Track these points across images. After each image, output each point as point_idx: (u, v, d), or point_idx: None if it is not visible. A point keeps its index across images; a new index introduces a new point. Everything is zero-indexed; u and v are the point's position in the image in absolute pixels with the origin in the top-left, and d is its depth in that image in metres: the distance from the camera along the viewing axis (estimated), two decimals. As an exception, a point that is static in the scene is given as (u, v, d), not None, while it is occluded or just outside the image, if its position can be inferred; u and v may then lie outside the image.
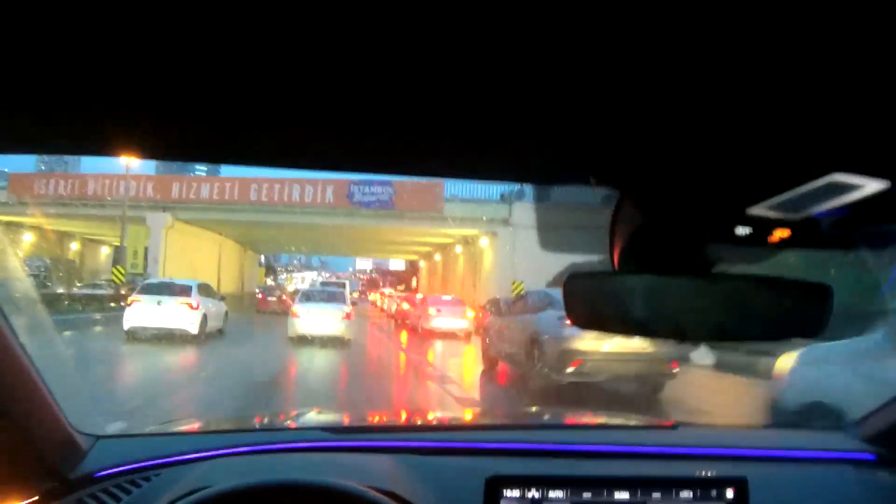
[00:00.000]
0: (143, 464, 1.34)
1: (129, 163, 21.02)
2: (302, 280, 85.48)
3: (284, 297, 25.93)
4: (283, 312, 19.12)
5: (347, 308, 14.06)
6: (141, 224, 25.20)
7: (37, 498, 1.17)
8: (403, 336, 18.76)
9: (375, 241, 37.92)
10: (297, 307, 14.01)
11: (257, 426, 1.98)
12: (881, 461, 1.48)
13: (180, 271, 23.21)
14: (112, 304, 17.81)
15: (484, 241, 24.84)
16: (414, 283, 54.54)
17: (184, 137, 0.73)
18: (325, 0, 0.44)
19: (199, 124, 0.68)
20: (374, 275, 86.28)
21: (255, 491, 1.15)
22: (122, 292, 18.60)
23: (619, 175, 0.79)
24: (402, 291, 39.17)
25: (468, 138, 0.70)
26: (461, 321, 17.53)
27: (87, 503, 1.23)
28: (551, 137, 0.68)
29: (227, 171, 29.50)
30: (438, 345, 15.52)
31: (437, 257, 41.18)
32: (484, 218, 22.91)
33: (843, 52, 0.46)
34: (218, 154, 0.85)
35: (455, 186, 24.31)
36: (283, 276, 77.14)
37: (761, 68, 0.50)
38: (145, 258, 26.05)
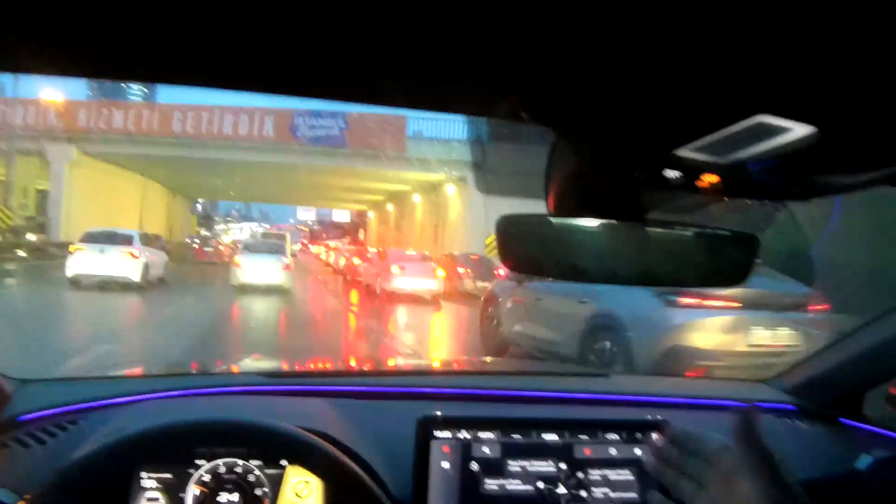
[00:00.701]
0: (69, 408, 1.36)
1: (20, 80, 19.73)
2: (241, 230, 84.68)
3: (221, 247, 27.34)
4: (221, 263, 21.40)
5: (287, 259, 15.86)
6: (37, 157, 22.72)
7: None
8: (355, 297, 17.51)
9: (321, 187, 35.87)
10: (239, 258, 15.53)
11: (192, 371, 2.00)
12: (801, 412, 1.65)
13: (89, 218, 20.98)
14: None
15: (451, 189, 21.69)
16: (361, 236, 52.77)
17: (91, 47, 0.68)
18: None
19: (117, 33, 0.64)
20: (315, 226, 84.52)
21: (184, 429, 1.19)
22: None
23: (552, 113, 0.81)
24: (348, 245, 37.32)
25: (398, 59, 0.69)
26: (430, 281, 15.90)
27: (10, 446, 1.25)
28: (484, 67, 0.70)
29: (161, 97, 26.66)
30: (403, 311, 14.27)
31: (390, 207, 39.13)
32: (453, 159, 19.64)
33: None
34: (140, 69, 0.77)
35: (419, 123, 23.18)
36: (221, 226, 76.48)
37: (690, 8, 0.54)
38: (42, 200, 22.39)
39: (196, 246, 27.74)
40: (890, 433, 1.55)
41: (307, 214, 72.35)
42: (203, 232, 55.67)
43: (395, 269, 15.70)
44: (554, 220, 0.90)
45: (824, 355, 1.68)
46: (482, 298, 8.82)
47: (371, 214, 49.00)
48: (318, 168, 25.31)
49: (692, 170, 0.79)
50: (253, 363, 2.21)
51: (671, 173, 0.80)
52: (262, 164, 24.93)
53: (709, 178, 0.81)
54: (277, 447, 1.20)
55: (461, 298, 15.64)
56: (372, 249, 22.32)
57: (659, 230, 0.90)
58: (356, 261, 21.47)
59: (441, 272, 15.73)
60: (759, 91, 0.63)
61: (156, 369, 2.13)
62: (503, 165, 18.43)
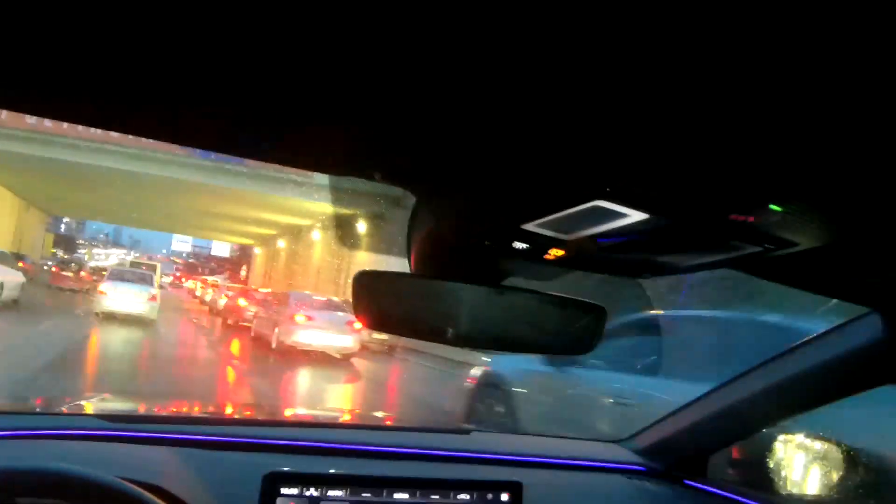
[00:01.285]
0: None
1: None
2: (106, 257, 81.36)
3: (83, 272, 25.99)
4: (81, 290, 21.36)
5: (154, 290, 16.74)
6: None
7: None
8: (238, 347, 15.54)
9: (207, 214, 32.84)
10: (105, 285, 16.22)
11: (31, 409, 1.95)
12: (649, 472, 1.77)
13: None
14: None
15: (362, 227, 18.38)
16: (243, 273, 49.84)
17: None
18: None
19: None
20: (190, 259, 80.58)
21: (3, 477, 1.13)
22: None
23: (409, 176, 0.87)
24: (228, 282, 35.32)
25: (254, 111, 0.73)
26: (345, 337, 13.24)
27: None
28: (342, 127, 0.75)
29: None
30: (304, 372, 12.03)
31: (281, 243, 36.53)
32: (372, 192, 16.82)
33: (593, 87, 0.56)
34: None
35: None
36: (83, 250, 71.26)
37: (533, 90, 0.59)
38: None
39: (54, 268, 25.62)
40: (731, 494, 1.67)
41: (183, 245, 69.22)
42: (61, 254, 50.80)
43: (299, 317, 13.31)
44: (411, 278, 0.95)
45: (674, 417, 1.81)
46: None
47: (257, 250, 46.75)
48: (207, 188, 23.13)
49: (540, 242, 0.84)
50: (100, 403, 2.14)
51: (519, 245, 0.85)
52: (139, 177, 21.88)
53: (555, 252, 0.87)
54: (101, 501, 1.16)
55: (367, 353, 14.27)
56: (263, 290, 20.69)
57: (511, 296, 0.94)
58: (242, 302, 19.60)
59: (358, 325, 12.82)
60: (598, 178, 0.69)
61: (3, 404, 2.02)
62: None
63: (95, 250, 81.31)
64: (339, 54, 0.55)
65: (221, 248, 61.11)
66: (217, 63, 0.59)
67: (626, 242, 0.80)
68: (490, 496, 1.35)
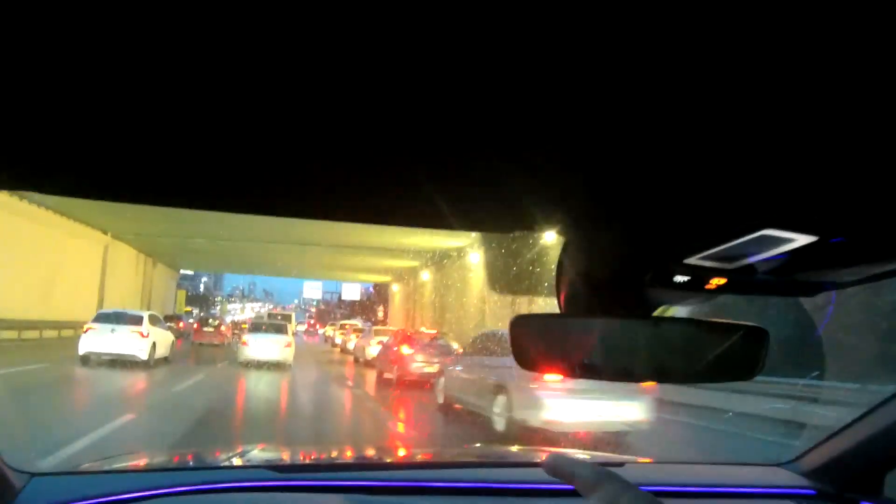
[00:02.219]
0: (79, 502, 1.46)
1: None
2: (241, 311, 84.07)
3: (224, 327, 27.82)
4: (221, 344, 24.89)
5: (289, 338, 18.78)
6: None
7: None
8: (405, 412, 11.72)
9: (339, 250, 30.75)
10: (247, 337, 18.68)
11: (200, 464, 2.11)
12: (820, 496, 1.69)
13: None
14: None
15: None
16: (380, 314, 47.41)
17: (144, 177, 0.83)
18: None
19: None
20: (320, 305, 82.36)
21: None
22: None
23: (564, 222, 0.91)
24: (372, 325, 32.50)
25: (408, 183, 0.79)
26: (632, 404, 8.10)
27: None
28: (499, 187, 0.79)
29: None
30: None
31: (426, 275, 33.44)
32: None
33: (768, 118, 0.58)
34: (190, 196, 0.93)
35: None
36: (217, 307, 75.52)
37: (698, 126, 0.62)
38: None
39: (196, 325, 28.43)
40: None
41: (314, 292, 69.01)
42: (196, 311, 54.65)
43: (552, 380, 7.59)
44: (565, 318, 0.99)
45: (841, 435, 1.73)
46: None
47: (395, 287, 43.45)
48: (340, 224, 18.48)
49: (701, 273, 0.86)
50: (260, 454, 2.28)
51: (680, 278, 0.87)
52: (270, 225, 21.65)
53: (716, 281, 0.88)
54: None
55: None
56: (428, 331, 17.83)
57: (668, 327, 0.96)
58: (406, 349, 14.92)
59: (648, 384, 7.77)
60: (764, 208, 0.71)
61: (166, 459, 2.23)
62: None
63: (230, 305, 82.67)
64: (498, 117, 0.59)
65: (352, 291, 60.47)
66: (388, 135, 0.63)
67: (793, 264, 0.81)
68: None
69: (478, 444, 7.07)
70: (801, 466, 1.78)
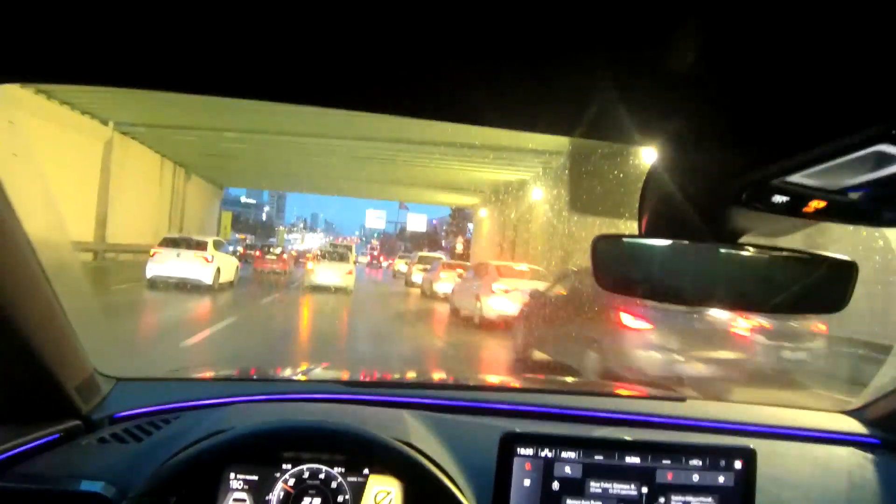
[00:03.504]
0: (162, 406, 1.58)
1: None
2: (301, 241, 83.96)
3: (286, 255, 28.69)
4: (283, 272, 25.99)
5: (351, 266, 21.06)
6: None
7: (59, 436, 1.40)
8: None
9: (411, 168, 26.05)
10: (311, 264, 21.51)
11: (274, 376, 2.24)
12: (885, 445, 1.72)
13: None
14: None
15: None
16: (459, 247, 42.91)
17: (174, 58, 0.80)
18: None
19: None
20: (382, 238, 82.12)
21: (273, 433, 1.39)
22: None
23: (660, 133, 0.90)
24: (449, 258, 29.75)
25: (506, 81, 0.79)
26: None
27: (108, 442, 1.47)
28: (594, 90, 0.80)
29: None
30: None
31: (538, 192, 24.55)
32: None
33: None
34: (217, 82, 0.92)
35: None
36: (275, 236, 74.98)
37: (814, 32, 0.61)
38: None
39: (257, 253, 28.89)
40: None
41: (377, 222, 67.17)
42: (248, 238, 53.45)
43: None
44: (649, 241, 0.99)
45: None
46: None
47: (483, 212, 35.34)
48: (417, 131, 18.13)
49: (801, 196, 0.84)
50: (326, 371, 2.38)
51: (779, 199, 0.84)
52: (328, 137, 20.30)
53: (816, 204, 0.85)
54: (363, 454, 1.38)
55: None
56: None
57: (755, 253, 0.96)
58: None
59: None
60: (881, 119, 0.67)
61: (240, 371, 2.30)
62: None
63: (291, 235, 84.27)
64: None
65: (417, 222, 58.28)
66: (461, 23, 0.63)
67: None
68: (723, 462, 1.39)
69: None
70: (865, 415, 1.83)
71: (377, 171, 28.48)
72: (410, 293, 23.67)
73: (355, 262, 24.70)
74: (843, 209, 0.86)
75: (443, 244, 52.17)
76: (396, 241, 72.21)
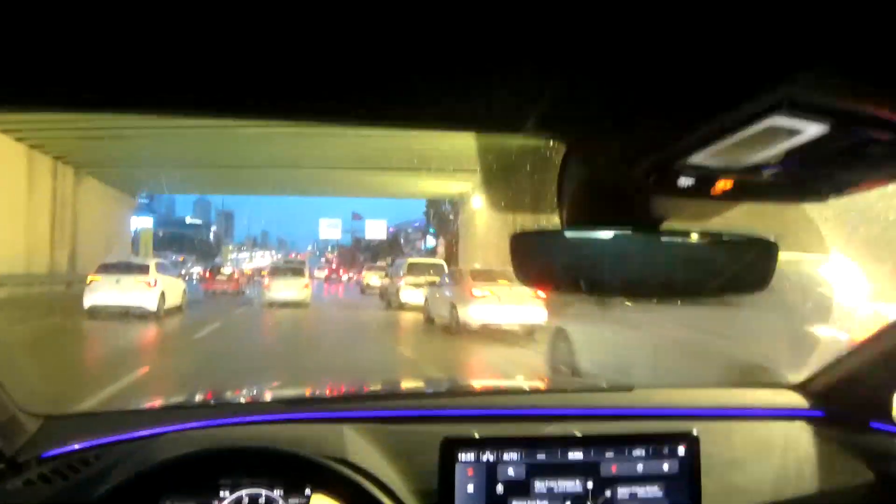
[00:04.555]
0: (92, 442, 1.54)
1: None
2: (250, 259, 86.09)
3: (237, 275, 29.46)
4: (233, 292, 26.99)
5: (306, 280, 22.79)
6: None
7: None
8: None
9: (382, 144, 21.10)
10: (268, 281, 23.01)
11: (210, 402, 2.23)
12: (830, 417, 1.80)
13: None
14: None
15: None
16: (430, 246, 38.83)
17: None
18: None
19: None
20: (333, 252, 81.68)
21: (207, 458, 1.39)
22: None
23: (563, 125, 0.92)
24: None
25: (403, 81, 0.80)
26: None
27: (33, 483, 1.44)
28: (499, 83, 0.81)
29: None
30: None
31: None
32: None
33: None
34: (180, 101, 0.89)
35: None
36: (219, 256, 74.78)
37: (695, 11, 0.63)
38: None
39: (208, 274, 29.91)
40: None
41: (332, 231, 62.31)
42: (171, 258, 50.23)
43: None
44: (566, 233, 1.00)
45: (850, 358, 1.83)
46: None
47: (476, 203, 28.61)
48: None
49: (707, 176, 0.85)
50: (272, 392, 2.47)
51: (685, 180, 0.86)
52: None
53: (722, 185, 0.87)
54: (300, 475, 1.39)
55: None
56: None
57: (674, 239, 0.99)
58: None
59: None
60: (771, 89, 0.67)
61: (176, 401, 2.29)
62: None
63: (236, 255, 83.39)
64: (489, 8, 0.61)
65: (376, 230, 55.52)
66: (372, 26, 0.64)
67: (802, 162, 0.79)
68: (666, 450, 1.44)
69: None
70: (809, 389, 1.90)
71: (335, 155, 23.42)
72: (401, 320, 17.89)
73: (311, 277, 25.64)
74: (752, 188, 0.88)
75: (404, 251, 51.32)
76: (355, 252, 71.37)
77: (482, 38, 0.68)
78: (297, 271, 23.03)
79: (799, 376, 2.00)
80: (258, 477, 1.39)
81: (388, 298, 22.23)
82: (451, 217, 37.68)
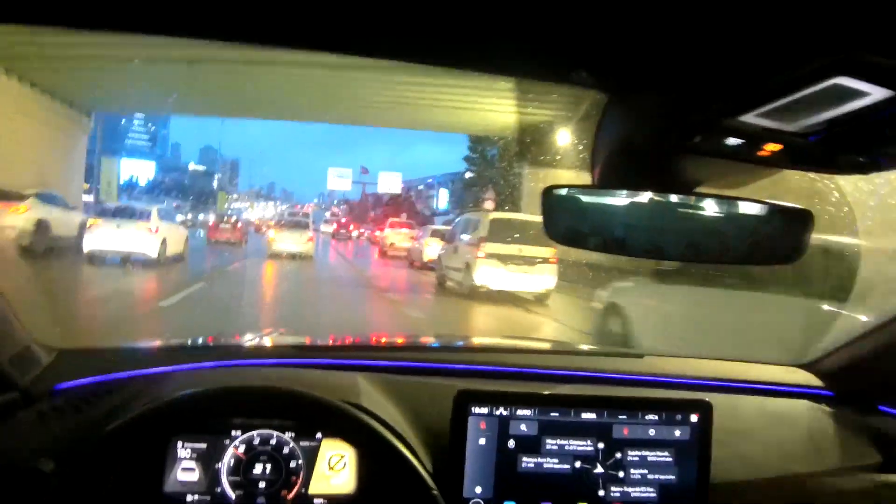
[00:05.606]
0: (105, 377, 1.60)
1: None
2: (251, 208, 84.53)
3: (240, 224, 29.99)
4: (237, 242, 27.56)
5: (310, 233, 23.78)
6: None
7: None
8: None
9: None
10: (272, 233, 24.13)
11: (222, 343, 2.28)
12: (839, 398, 1.86)
13: None
14: None
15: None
16: (489, 204, 27.63)
17: None
18: None
19: None
20: (339, 204, 76.25)
21: (219, 397, 1.43)
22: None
23: (607, 75, 0.91)
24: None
25: (446, 21, 0.80)
26: None
27: (47, 415, 1.49)
28: (541, 27, 0.80)
29: None
30: None
31: None
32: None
33: None
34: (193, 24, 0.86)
35: None
36: (215, 201, 70.80)
37: None
38: None
39: (212, 223, 30.34)
40: None
41: (341, 182, 58.14)
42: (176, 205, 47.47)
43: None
44: (600, 192, 1.03)
45: (862, 339, 1.85)
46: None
47: (562, 136, 21.97)
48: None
49: (755, 138, 0.85)
50: (282, 337, 2.44)
51: (733, 140, 0.86)
52: None
53: (772, 147, 0.87)
54: (313, 418, 1.45)
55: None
56: None
57: (709, 203, 1.00)
58: None
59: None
60: (838, 47, 0.66)
61: (189, 340, 2.32)
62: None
63: (229, 204, 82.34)
64: None
65: (390, 183, 51.53)
66: None
67: (858, 130, 0.77)
68: (679, 416, 1.49)
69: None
70: (820, 368, 1.96)
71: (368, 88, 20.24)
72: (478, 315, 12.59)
73: (316, 231, 27.85)
74: (801, 153, 0.88)
75: (418, 209, 49.64)
76: (366, 205, 67.14)
77: None
78: (301, 224, 24.69)
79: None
80: (270, 418, 1.44)
81: (445, 275, 15.36)
82: (512, 160, 29.29)
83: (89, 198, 27.76)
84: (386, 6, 0.76)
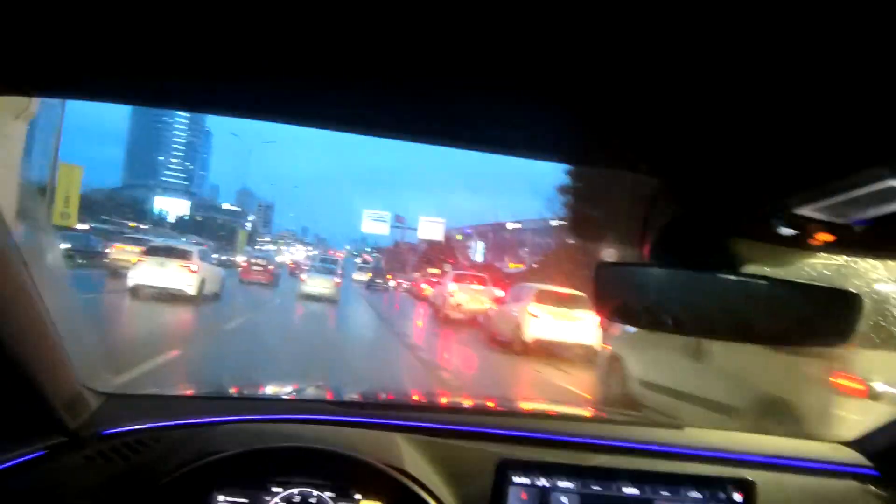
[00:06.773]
0: (151, 424, 1.68)
1: None
2: (278, 251, 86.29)
3: (271, 266, 31.62)
4: (268, 283, 29.74)
5: (338, 279, 27.10)
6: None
7: (44, 452, 1.49)
8: None
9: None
10: (304, 276, 27.82)
11: (264, 395, 2.35)
12: (885, 478, 1.85)
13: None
14: None
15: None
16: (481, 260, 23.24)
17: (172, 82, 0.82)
18: None
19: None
20: (371, 252, 74.51)
21: (264, 455, 1.51)
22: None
23: (662, 162, 0.97)
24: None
25: (507, 108, 0.86)
26: None
27: (93, 460, 1.56)
28: (599, 118, 0.85)
29: None
30: None
31: None
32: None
33: None
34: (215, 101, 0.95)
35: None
36: (236, 241, 70.21)
37: (824, 63, 0.64)
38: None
39: (244, 264, 31.91)
40: None
41: (377, 227, 55.00)
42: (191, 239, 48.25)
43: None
44: (652, 269, 1.06)
45: None
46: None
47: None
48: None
49: (807, 227, 0.90)
50: (316, 391, 2.62)
51: (785, 231, 0.91)
52: None
53: (823, 237, 0.92)
54: (354, 478, 1.50)
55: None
56: None
57: (758, 284, 1.03)
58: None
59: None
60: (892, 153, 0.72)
61: (231, 389, 2.46)
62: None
63: (273, 246, 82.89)
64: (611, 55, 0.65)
65: (431, 230, 48.73)
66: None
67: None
68: (722, 494, 1.51)
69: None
70: (865, 446, 1.95)
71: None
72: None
73: (344, 277, 31.63)
74: (850, 241, 0.92)
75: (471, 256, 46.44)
76: (406, 253, 62.79)
77: (586, 70, 0.72)
78: (330, 271, 28.18)
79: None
80: (311, 477, 1.50)
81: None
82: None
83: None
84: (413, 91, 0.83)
